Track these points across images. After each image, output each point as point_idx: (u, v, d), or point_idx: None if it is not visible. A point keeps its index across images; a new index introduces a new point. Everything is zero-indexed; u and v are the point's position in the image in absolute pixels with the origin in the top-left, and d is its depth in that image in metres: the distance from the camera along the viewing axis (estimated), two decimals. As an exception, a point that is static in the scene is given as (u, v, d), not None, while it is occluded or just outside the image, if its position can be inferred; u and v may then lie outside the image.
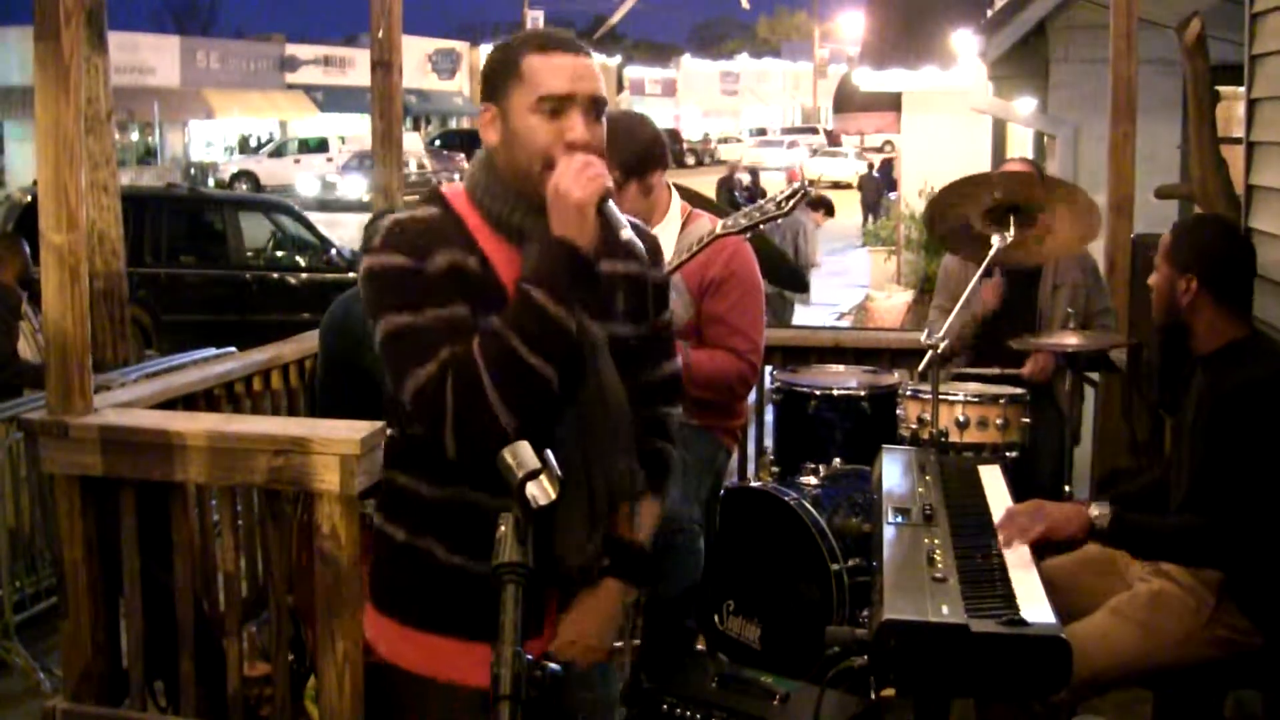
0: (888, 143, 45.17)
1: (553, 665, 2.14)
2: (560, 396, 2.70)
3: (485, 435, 2.58)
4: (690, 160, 62.06)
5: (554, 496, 2.23)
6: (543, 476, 2.23)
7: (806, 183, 5.02)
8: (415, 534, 2.87)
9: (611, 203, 2.67)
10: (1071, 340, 5.16)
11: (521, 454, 2.25)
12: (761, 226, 4.55)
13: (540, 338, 2.62)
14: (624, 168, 4.46)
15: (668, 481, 3.10)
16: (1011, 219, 5.18)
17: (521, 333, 2.62)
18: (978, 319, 5.74)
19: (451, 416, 2.63)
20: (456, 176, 31.15)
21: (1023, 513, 3.84)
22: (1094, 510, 3.81)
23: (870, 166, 38.97)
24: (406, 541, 2.89)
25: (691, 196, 5.46)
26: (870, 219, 29.45)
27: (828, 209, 16.61)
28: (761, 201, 4.54)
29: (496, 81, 2.80)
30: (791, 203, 4.44)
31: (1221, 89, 6.92)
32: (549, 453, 2.27)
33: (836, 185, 43.55)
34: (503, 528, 2.23)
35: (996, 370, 5.65)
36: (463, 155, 48.09)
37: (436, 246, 2.73)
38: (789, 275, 10.15)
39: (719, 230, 4.48)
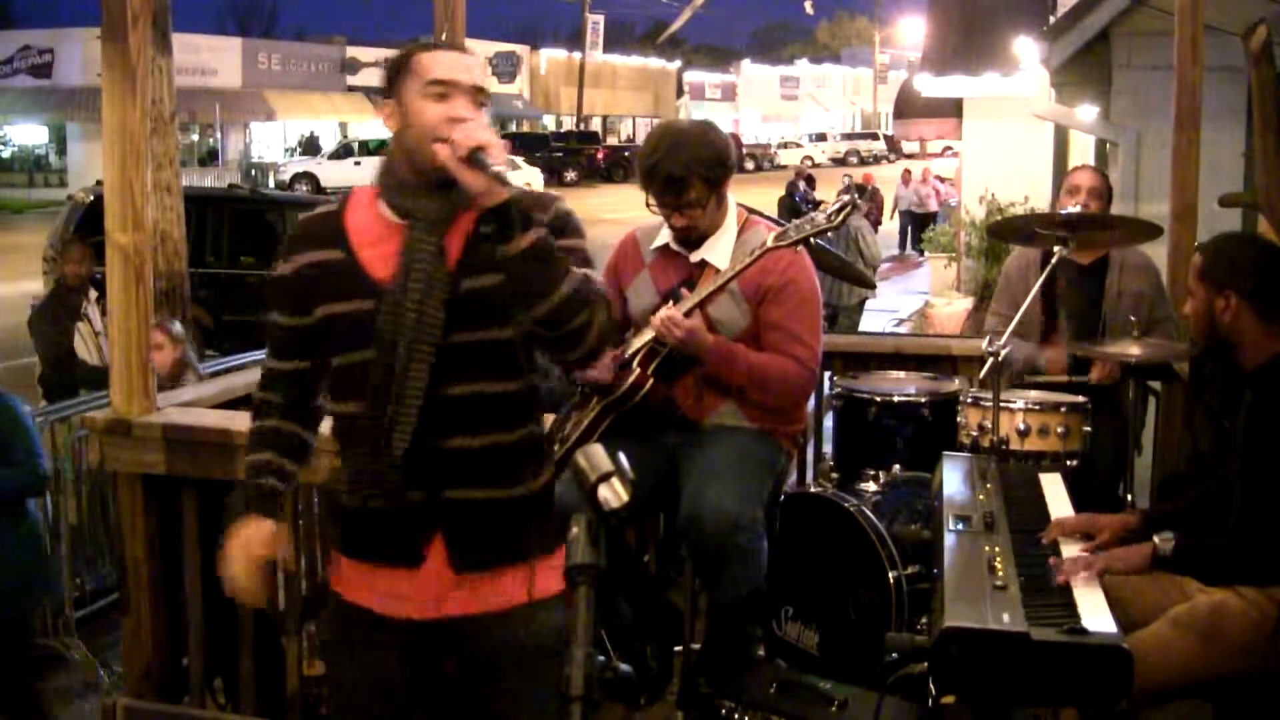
0: (948, 148, 44.94)
1: (624, 666, 2.14)
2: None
3: None
4: (750, 165, 61.98)
5: (626, 499, 2.23)
6: (614, 479, 2.22)
7: (855, 193, 5.06)
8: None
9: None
10: (1134, 350, 5.12)
11: (595, 457, 2.24)
12: (813, 240, 4.59)
13: None
14: (707, 182, 4.49)
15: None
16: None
17: None
18: (1042, 372, 5.71)
19: None
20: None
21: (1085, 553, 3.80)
22: (1157, 540, 3.79)
23: None
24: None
25: None
26: None
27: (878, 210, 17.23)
28: (813, 214, 4.58)
29: (392, 77, 3.07)
30: (841, 216, 4.51)
31: (1288, 96, 6.86)
32: (622, 456, 2.27)
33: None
34: (575, 529, 2.22)
35: (1065, 379, 5.61)
36: (522, 158, 48.12)
37: (297, 250, 3.13)
38: (854, 277, 10.21)
39: (771, 243, 4.51)
